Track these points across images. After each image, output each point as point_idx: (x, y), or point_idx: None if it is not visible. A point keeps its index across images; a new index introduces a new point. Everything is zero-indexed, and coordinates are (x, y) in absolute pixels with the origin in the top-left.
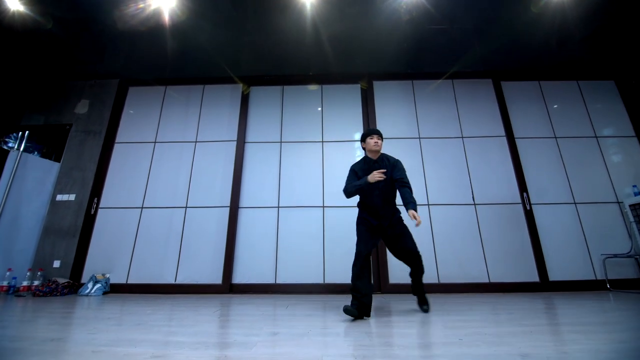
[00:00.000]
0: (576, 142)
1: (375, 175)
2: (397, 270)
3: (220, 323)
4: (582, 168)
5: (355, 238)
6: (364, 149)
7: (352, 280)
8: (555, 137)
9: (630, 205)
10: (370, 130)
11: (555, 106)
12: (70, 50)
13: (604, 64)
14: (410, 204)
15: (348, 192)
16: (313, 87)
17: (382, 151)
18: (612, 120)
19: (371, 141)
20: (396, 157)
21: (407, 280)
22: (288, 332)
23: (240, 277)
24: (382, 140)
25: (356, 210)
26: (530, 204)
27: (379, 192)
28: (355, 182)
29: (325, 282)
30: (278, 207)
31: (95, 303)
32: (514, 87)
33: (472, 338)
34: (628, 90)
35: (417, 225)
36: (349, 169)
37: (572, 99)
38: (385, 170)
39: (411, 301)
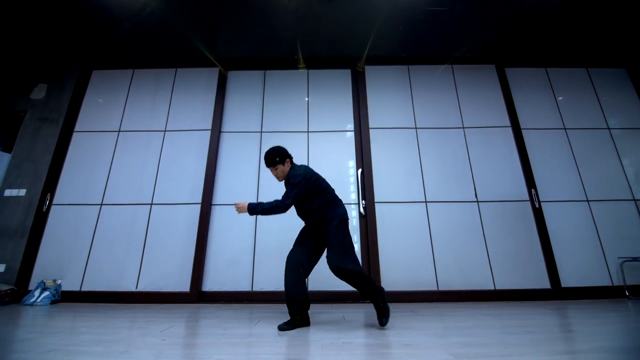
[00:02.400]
0: (587, 134)
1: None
2: (391, 275)
3: (159, 349)
4: (594, 162)
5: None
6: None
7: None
8: (565, 129)
9: None
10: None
11: (562, 97)
12: (28, 29)
13: (615, 51)
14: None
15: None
16: (301, 67)
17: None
18: (625, 111)
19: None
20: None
21: (403, 287)
22: None
23: (211, 283)
24: (277, 168)
25: (348, 207)
26: (539, 201)
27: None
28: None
29: (310, 289)
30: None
31: (31, 316)
32: (518, 74)
33: None
34: None
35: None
36: (336, 162)
37: (582, 88)
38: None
39: (407, 312)
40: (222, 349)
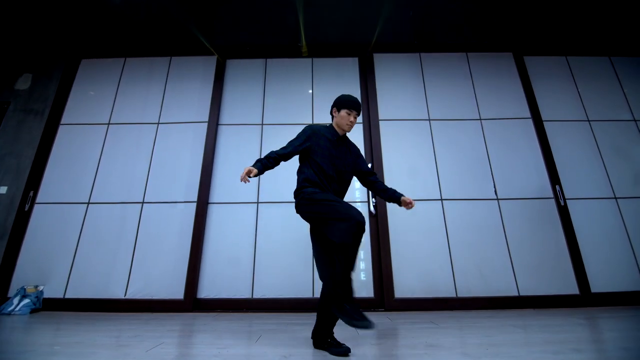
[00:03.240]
0: (612, 126)
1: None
2: (405, 281)
3: None
4: (620, 156)
5: None
6: (332, 115)
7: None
8: (589, 120)
9: None
10: (352, 102)
11: (583, 87)
12: (12, 15)
13: (638, 38)
14: (396, 192)
15: (283, 155)
16: (305, 53)
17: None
18: None
19: (347, 117)
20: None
21: (418, 293)
22: None
23: (207, 290)
24: None
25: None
26: (564, 199)
27: (336, 186)
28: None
29: (315, 296)
30: (257, 202)
31: (8, 327)
32: (537, 63)
33: None
34: None
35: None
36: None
37: (605, 77)
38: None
39: (426, 324)
40: None
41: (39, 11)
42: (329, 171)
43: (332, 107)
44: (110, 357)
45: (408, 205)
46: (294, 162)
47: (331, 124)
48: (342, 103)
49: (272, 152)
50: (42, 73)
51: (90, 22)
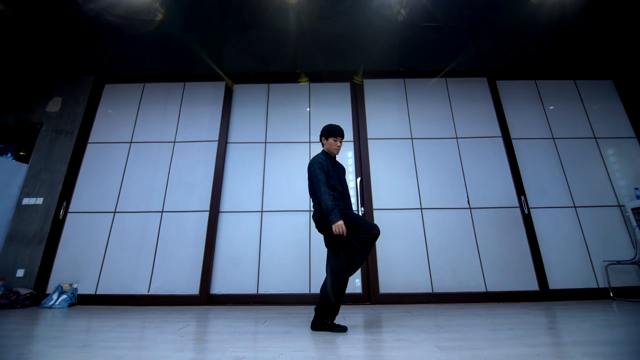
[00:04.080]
0: (575, 143)
1: (339, 231)
2: (388, 279)
3: (180, 344)
4: (581, 170)
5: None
6: (322, 143)
7: (339, 283)
8: (553, 138)
9: (632, 209)
10: (337, 131)
11: (552, 107)
12: (43, 45)
13: (601, 63)
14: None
15: (324, 198)
16: (303, 81)
17: (370, 153)
18: (611, 121)
19: (334, 143)
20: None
21: (400, 289)
22: (255, 356)
23: (219, 287)
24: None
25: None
26: (528, 208)
27: (343, 203)
28: (332, 203)
29: (312, 291)
30: (261, 211)
31: (53, 317)
32: (509, 86)
33: None
34: (627, 90)
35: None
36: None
37: (570, 99)
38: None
39: (402, 313)
40: (235, 344)
41: (66, 40)
42: (341, 189)
43: (321, 136)
44: (151, 333)
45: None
46: (295, 178)
47: (323, 151)
48: (329, 133)
49: (327, 195)
50: (70, 97)
51: (113, 51)
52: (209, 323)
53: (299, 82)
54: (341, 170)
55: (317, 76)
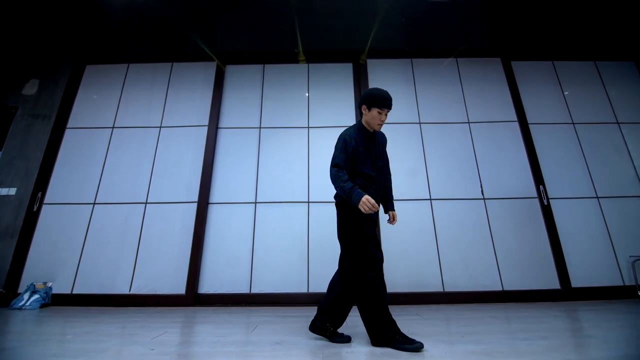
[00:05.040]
0: (596, 128)
1: (367, 208)
2: (391, 277)
3: (149, 358)
4: (603, 158)
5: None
6: (361, 113)
7: (373, 299)
8: (573, 123)
9: None
10: (384, 100)
11: (570, 90)
12: (19, 24)
13: (623, 44)
14: (391, 202)
15: (339, 187)
16: (302, 60)
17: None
18: (634, 105)
19: (378, 116)
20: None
21: (406, 288)
22: None
23: (208, 285)
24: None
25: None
26: (547, 198)
27: (376, 187)
28: (347, 184)
29: (310, 291)
30: (255, 202)
31: (16, 321)
32: (525, 68)
33: None
34: None
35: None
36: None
37: (590, 81)
38: (377, 209)
39: (412, 316)
40: (218, 357)
41: (45, 18)
42: (372, 173)
43: (362, 103)
44: (120, 342)
45: (392, 221)
46: (291, 166)
47: (360, 122)
48: (374, 101)
49: (342, 172)
50: (48, 79)
51: (95, 29)
52: (191, 330)
53: (298, 62)
54: (381, 144)
55: (317, 56)
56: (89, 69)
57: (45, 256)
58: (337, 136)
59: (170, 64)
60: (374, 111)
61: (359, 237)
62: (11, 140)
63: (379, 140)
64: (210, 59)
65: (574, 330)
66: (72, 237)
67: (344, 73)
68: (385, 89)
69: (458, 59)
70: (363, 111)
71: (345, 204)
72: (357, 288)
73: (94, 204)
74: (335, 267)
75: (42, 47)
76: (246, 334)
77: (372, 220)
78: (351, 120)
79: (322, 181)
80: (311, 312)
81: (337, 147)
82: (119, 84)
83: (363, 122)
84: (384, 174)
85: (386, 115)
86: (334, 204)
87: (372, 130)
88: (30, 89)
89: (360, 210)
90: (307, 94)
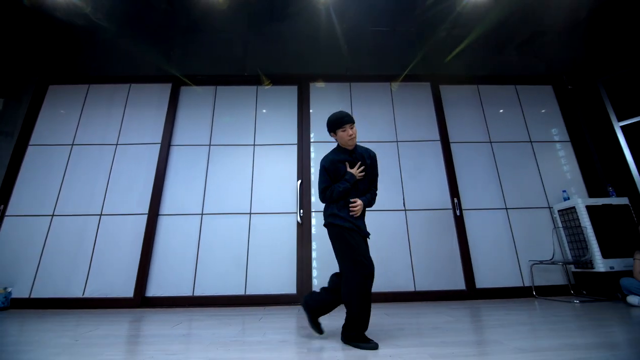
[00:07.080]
0: (510, 146)
1: (357, 173)
2: (320, 278)
3: (68, 348)
4: (515, 173)
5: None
6: (333, 138)
7: (358, 310)
8: (490, 142)
9: (559, 211)
10: (340, 119)
11: (489, 112)
12: None
13: (542, 69)
14: (365, 197)
15: (333, 199)
16: (267, 83)
17: (312, 156)
18: (548, 125)
19: (345, 135)
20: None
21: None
22: None
23: (155, 289)
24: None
25: (283, 217)
26: (460, 210)
27: (359, 195)
28: (339, 183)
29: (247, 293)
30: (202, 214)
31: None
32: (452, 91)
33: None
34: (564, 96)
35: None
36: (279, 174)
37: (510, 104)
38: (363, 166)
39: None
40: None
41: (10, 40)
42: (354, 193)
43: (329, 132)
44: (57, 337)
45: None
46: (237, 180)
47: (337, 146)
48: (334, 124)
49: (327, 190)
50: (12, 97)
51: (58, 51)
52: (123, 326)
53: (265, 85)
54: (366, 159)
55: (266, 79)
56: (52, 89)
57: (5, 264)
58: (279, 153)
59: (128, 85)
60: (339, 132)
61: (348, 250)
62: None
63: (361, 155)
64: (166, 81)
65: (464, 321)
66: (32, 246)
67: (289, 95)
68: (324, 110)
69: (392, 83)
70: (333, 137)
71: (333, 225)
72: (348, 293)
73: (53, 215)
74: (271, 272)
75: (7, 68)
76: (174, 337)
77: (359, 235)
78: (293, 138)
79: (263, 194)
80: (247, 312)
81: (319, 176)
82: (79, 103)
83: (340, 145)
84: (367, 183)
85: (351, 128)
86: (272, 215)
87: (350, 149)
88: None
89: (346, 228)
90: (254, 114)
